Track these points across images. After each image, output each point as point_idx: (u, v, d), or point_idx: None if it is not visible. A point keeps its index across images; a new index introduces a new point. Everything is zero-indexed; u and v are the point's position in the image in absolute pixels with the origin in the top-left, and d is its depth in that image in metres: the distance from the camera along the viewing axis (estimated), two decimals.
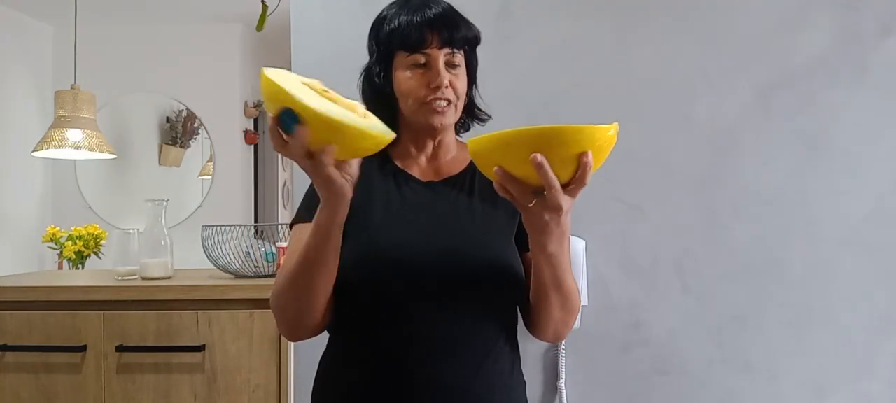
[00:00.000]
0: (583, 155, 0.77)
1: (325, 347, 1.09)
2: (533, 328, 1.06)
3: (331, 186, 0.86)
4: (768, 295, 1.53)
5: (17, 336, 1.57)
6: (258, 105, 4.68)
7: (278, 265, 1.70)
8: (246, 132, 4.54)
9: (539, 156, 0.76)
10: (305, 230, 0.98)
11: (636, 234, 1.54)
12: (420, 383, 0.97)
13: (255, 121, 4.85)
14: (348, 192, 0.87)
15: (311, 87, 0.84)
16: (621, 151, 1.55)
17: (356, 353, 1.02)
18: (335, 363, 1.06)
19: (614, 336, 1.55)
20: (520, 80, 1.56)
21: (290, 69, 1.57)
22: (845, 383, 1.53)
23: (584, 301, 1.52)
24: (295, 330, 1.03)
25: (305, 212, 1.05)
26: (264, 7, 1.68)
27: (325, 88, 0.87)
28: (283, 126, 0.81)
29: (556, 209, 0.82)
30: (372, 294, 0.99)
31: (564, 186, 0.80)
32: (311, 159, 0.83)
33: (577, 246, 1.51)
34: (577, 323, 1.51)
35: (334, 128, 0.81)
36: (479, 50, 1.42)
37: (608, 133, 0.79)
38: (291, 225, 1.10)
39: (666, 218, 1.54)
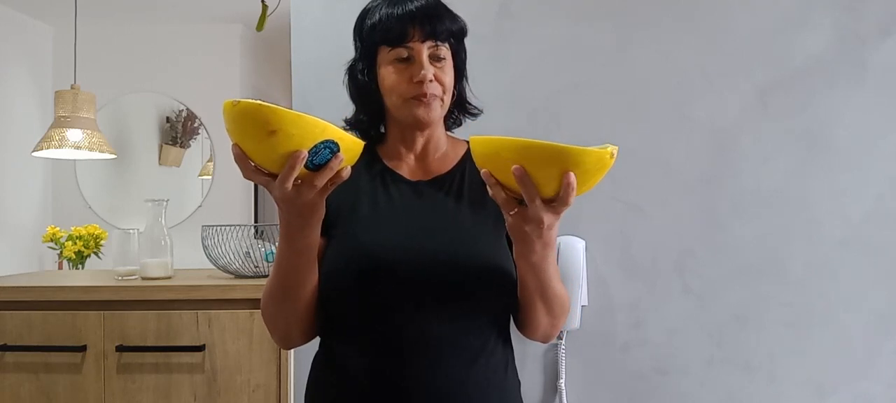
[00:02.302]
0: (566, 174, 0.77)
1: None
2: (522, 328, 1.06)
3: (319, 207, 0.87)
4: (768, 295, 1.53)
5: (17, 337, 1.57)
6: None
7: None
8: None
9: (520, 169, 0.77)
10: None
11: (636, 234, 1.54)
12: (411, 385, 0.96)
13: None
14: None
15: (268, 108, 0.78)
16: (621, 151, 1.55)
17: (346, 356, 1.01)
18: (326, 365, 1.05)
19: (614, 336, 1.55)
20: (520, 80, 1.56)
21: (289, 69, 1.57)
22: (845, 383, 1.53)
23: (583, 300, 1.52)
24: (287, 340, 1.04)
25: None
26: (264, 7, 1.68)
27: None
28: (320, 159, 0.79)
29: (536, 222, 0.82)
30: (359, 297, 0.98)
31: (549, 202, 0.80)
32: (323, 189, 0.83)
33: (577, 245, 1.51)
34: (577, 323, 1.51)
35: (354, 146, 0.82)
36: (479, 49, 1.41)
37: (606, 156, 0.78)
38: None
39: (666, 218, 1.54)
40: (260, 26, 1.70)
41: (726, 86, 1.54)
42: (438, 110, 1.02)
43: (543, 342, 1.07)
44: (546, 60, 1.56)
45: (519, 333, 1.08)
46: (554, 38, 1.56)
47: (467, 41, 1.08)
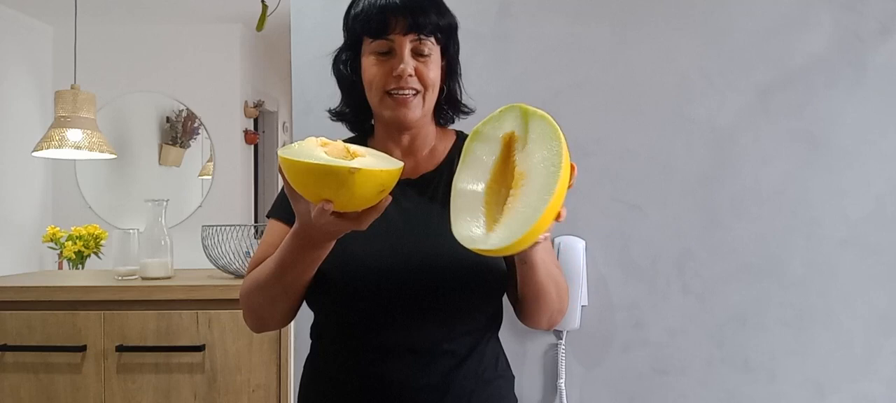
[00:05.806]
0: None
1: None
2: (527, 320, 1.04)
3: (334, 235, 0.87)
4: (768, 295, 1.53)
5: (17, 336, 1.57)
6: (258, 105, 4.68)
7: None
8: (246, 132, 4.54)
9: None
10: (283, 230, 0.99)
11: (636, 234, 1.54)
12: (398, 389, 0.96)
13: (255, 120, 4.85)
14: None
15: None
16: (621, 151, 1.56)
17: (335, 358, 1.01)
18: (317, 367, 1.06)
19: (614, 336, 1.55)
20: (519, 80, 1.56)
21: (289, 69, 1.57)
22: (845, 383, 1.53)
23: (583, 300, 1.52)
24: (263, 326, 1.03)
25: (284, 209, 1.03)
26: (264, 7, 1.68)
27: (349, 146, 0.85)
28: None
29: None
30: (345, 305, 0.98)
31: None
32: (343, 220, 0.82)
33: (577, 246, 1.51)
34: (577, 323, 1.51)
35: (397, 174, 0.81)
36: (479, 49, 1.41)
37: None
38: (268, 216, 1.07)
39: (666, 218, 1.54)
40: (260, 26, 1.70)
41: (726, 86, 1.54)
42: (419, 109, 0.99)
43: (548, 328, 1.06)
44: (546, 60, 1.55)
45: (520, 331, 1.07)
46: (554, 38, 1.56)
47: (467, 41, 1.07)
